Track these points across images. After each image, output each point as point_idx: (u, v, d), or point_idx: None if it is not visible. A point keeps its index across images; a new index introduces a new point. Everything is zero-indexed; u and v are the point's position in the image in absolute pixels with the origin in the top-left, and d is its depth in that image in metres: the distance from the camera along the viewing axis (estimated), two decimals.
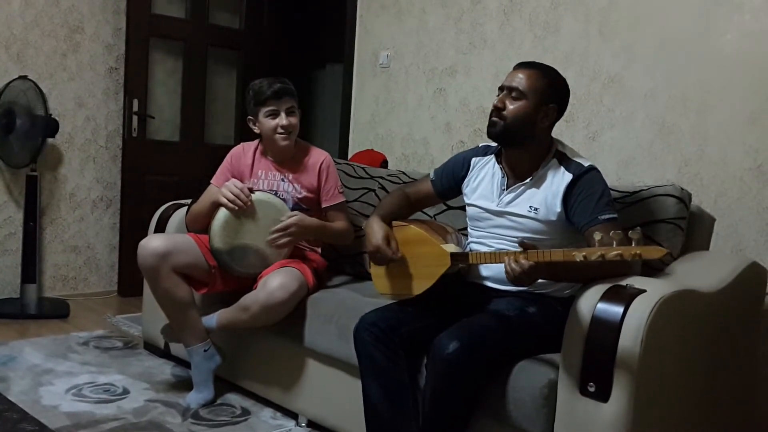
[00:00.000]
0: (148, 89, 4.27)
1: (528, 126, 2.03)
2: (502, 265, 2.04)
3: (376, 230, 2.19)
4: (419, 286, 2.10)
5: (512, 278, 1.78)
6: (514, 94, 2.03)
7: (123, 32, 4.17)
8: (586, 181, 1.99)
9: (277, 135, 2.63)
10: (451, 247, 2.06)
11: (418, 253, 2.13)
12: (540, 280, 2.02)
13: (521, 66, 2.09)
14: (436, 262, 2.05)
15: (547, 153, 2.08)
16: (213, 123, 4.64)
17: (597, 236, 1.65)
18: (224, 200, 2.50)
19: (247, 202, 2.51)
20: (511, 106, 2.03)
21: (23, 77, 3.72)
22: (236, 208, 2.50)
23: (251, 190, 2.57)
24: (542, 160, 2.07)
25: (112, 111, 4.24)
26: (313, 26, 5.84)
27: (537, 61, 2.15)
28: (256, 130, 2.69)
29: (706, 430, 2.09)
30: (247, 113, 2.71)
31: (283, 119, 2.62)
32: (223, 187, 2.55)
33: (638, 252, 1.57)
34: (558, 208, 2.01)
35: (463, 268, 2.13)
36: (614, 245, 1.61)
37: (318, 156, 2.74)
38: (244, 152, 2.77)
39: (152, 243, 2.55)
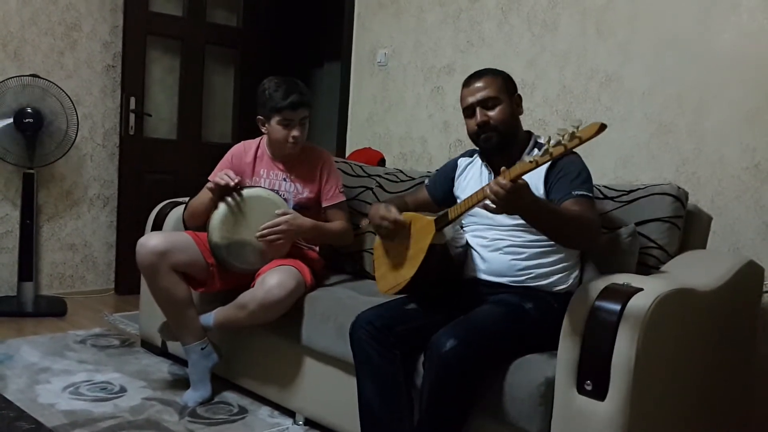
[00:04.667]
0: (146, 87, 4.27)
1: (514, 122, 2.14)
2: (499, 258, 2.07)
3: (376, 205, 2.26)
4: (413, 266, 2.10)
5: (499, 203, 1.70)
6: (489, 104, 2.10)
7: (120, 30, 4.16)
8: (564, 163, 2.05)
9: (288, 144, 2.62)
10: (435, 216, 2.08)
11: (410, 233, 2.15)
12: (533, 272, 2.06)
13: (472, 80, 2.15)
14: (424, 234, 2.08)
15: (525, 143, 2.16)
16: (210, 121, 4.63)
17: (568, 205, 1.72)
18: (210, 184, 2.53)
19: (231, 180, 2.50)
20: (494, 114, 2.10)
21: (35, 75, 3.75)
22: (229, 183, 2.49)
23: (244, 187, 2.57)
24: (523, 150, 2.15)
25: (109, 109, 4.23)
26: (311, 24, 5.84)
27: (488, 67, 2.23)
28: (264, 131, 2.68)
29: (703, 429, 2.09)
30: (256, 111, 2.67)
31: (295, 130, 2.60)
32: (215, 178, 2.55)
33: (577, 135, 1.55)
34: (541, 191, 2.05)
35: (458, 257, 2.13)
36: (560, 138, 1.59)
37: (320, 156, 2.73)
38: (245, 150, 2.75)
39: (151, 241, 2.54)
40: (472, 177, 2.25)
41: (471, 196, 1.91)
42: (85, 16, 4.08)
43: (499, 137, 2.10)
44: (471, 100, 2.12)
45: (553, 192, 2.03)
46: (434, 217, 2.06)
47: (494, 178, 2.12)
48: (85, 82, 4.12)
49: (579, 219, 1.92)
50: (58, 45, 4.00)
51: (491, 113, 2.09)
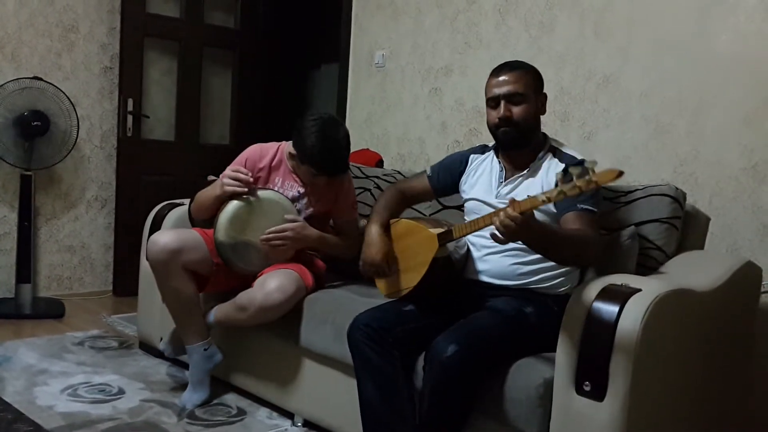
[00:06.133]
0: (143, 89, 4.26)
1: (535, 121, 2.12)
2: (501, 261, 2.07)
3: (377, 244, 2.23)
4: (415, 277, 2.11)
5: (508, 234, 1.71)
6: (515, 99, 2.07)
7: (118, 31, 4.16)
8: None
9: (311, 183, 2.60)
10: (438, 230, 2.07)
11: (411, 243, 2.15)
12: (535, 276, 2.07)
13: (503, 71, 2.11)
14: (426, 248, 2.07)
15: (542, 145, 2.14)
16: (208, 123, 4.63)
17: (570, 217, 1.79)
18: (229, 188, 2.46)
19: (249, 179, 2.48)
20: (518, 110, 2.07)
21: (37, 78, 3.76)
22: (245, 189, 2.46)
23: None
24: (538, 152, 2.13)
25: (106, 110, 4.23)
26: (309, 26, 5.84)
27: (519, 60, 2.20)
28: (294, 162, 2.61)
29: (702, 428, 2.09)
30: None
31: (322, 181, 2.57)
32: (223, 178, 2.51)
33: (594, 180, 1.54)
34: None
35: (459, 261, 2.14)
36: (574, 180, 1.58)
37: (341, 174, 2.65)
38: (261, 155, 2.67)
39: (163, 239, 2.51)
40: (482, 174, 2.23)
41: (478, 219, 1.88)
42: (82, 17, 4.08)
43: (518, 133, 2.08)
44: (497, 91, 2.09)
45: (558, 202, 2.02)
46: (437, 232, 2.04)
47: (505, 178, 2.15)
48: (82, 84, 4.12)
49: (578, 239, 1.90)
50: (56, 47, 4.00)
51: (515, 109, 2.07)
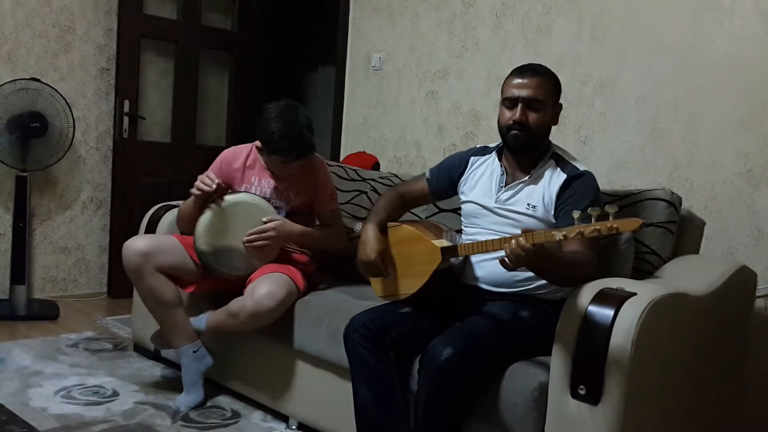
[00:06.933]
0: (140, 90, 4.26)
1: (548, 130, 2.09)
2: (498, 268, 2.06)
3: (372, 242, 2.19)
4: (414, 284, 2.10)
5: (517, 263, 1.72)
6: (534, 105, 2.03)
7: (114, 33, 4.16)
8: (579, 185, 2.01)
9: (284, 174, 2.60)
10: (442, 243, 2.06)
11: (412, 251, 2.13)
12: (532, 282, 2.06)
13: (526, 73, 2.06)
14: (428, 259, 2.06)
15: (545, 153, 2.12)
16: (204, 124, 4.63)
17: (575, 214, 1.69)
18: (196, 192, 2.47)
19: (211, 183, 2.47)
20: (534, 117, 2.03)
21: (35, 79, 3.76)
22: (209, 190, 2.46)
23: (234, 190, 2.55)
24: (541, 159, 2.10)
25: (103, 112, 4.23)
26: (306, 28, 5.85)
27: (543, 64, 2.16)
28: (262, 155, 2.63)
29: None
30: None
31: (294, 169, 2.57)
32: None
33: (615, 225, 1.56)
34: (552, 211, 2.03)
35: (457, 267, 2.13)
36: (593, 221, 1.59)
37: (314, 162, 2.66)
38: (234, 157, 2.68)
39: (135, 243, 2.53)
40: (482, 176, 2.20)
41: (487, 241, 1.86)
42: (79, 18, 4.07)
43: (528, 139, 2.05)
44: (517, 93, 2.03)
45: (560, 216, 2.00)
46: (441, 246, 2.02)
47: (506, 183, 2.12)
48: (79, 85, 4.11)
49: (579, 263, 1.88)
50: (52, 47, 3.99)
51: (532, 115, 2.03)
